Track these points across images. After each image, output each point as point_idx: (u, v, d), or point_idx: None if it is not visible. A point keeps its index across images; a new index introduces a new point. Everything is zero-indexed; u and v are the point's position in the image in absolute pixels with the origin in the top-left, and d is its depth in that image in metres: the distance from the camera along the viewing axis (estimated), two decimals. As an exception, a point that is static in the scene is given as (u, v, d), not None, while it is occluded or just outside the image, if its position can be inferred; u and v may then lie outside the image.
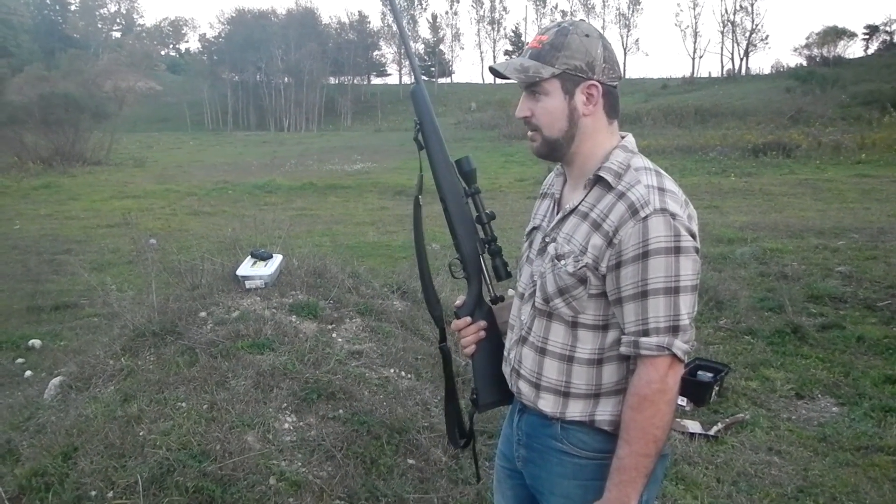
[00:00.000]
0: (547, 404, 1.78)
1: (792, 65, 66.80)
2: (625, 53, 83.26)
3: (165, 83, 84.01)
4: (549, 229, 1.82)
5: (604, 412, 1.73)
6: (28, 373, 5.34)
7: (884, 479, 3.88)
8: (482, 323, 1.95)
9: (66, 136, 27.01)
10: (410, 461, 3.47)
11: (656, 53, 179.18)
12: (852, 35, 69.74)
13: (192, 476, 3.07)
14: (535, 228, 1.92)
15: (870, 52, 68.05)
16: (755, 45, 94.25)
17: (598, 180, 1.72)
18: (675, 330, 1.60)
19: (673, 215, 1.60)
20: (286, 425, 3.55)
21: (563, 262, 1.72)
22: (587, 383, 1.74)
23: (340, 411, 3.70)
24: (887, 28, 70.90)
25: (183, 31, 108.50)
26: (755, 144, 25.00)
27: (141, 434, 3.36)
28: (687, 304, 1.61)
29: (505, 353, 1.94)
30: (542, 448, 1.82)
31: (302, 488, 3.14)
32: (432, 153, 1.93)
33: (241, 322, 4.45)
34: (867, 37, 71.17)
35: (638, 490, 1.64)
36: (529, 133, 1.79)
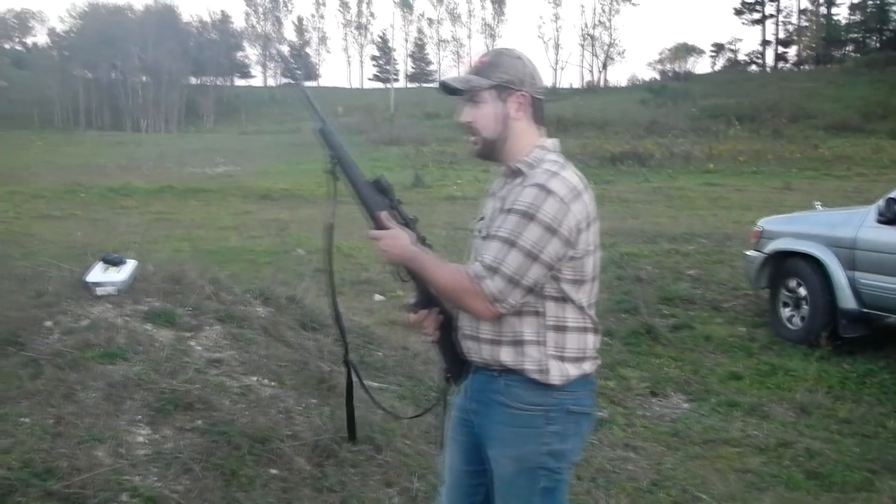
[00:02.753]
0: (484, 353, 2.09)
1: (647, 78, 70.42)
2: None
3: (10, 79, 78.90)
4: (485, 216, 2.18)
5: (531, 361, 2.04)
6: None
7: (729, 469, 4.10)
8: (436, 309, 2.20)
9: None
10: (273, 471, 3.38)
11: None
12: (700, 52, 74.30)
13: (35, 496, 2.88)
14: (481, 218, 2.23)
15: (717, 68, 72.68)
16: (613, 59, 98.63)
17: (515, 171, 2.08)
18: (493, 271, 1.95)
19: (549, 192, 1.95)
20: (140, 438, 3.40)
21: (481, 234, 2.12)
22: (512, 332, 2.05)
23: (199, 422, 3.56)
24: (732, 47, 76.04)
25: (30, 24, 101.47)
26: (613, 153, 26.11)
27: (-23, 453, 3.12)
28: (515, 261, 1.94)
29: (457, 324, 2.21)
30: (488, 401, 2.12)
31: (157, 503, 3.01)
32: (355, 181, 2.16)
33: (91, 331, 4.22)
34: (714, 54, 76.12)
35: (416, 264, 2.07)
36: (471, 138, 2.14)
